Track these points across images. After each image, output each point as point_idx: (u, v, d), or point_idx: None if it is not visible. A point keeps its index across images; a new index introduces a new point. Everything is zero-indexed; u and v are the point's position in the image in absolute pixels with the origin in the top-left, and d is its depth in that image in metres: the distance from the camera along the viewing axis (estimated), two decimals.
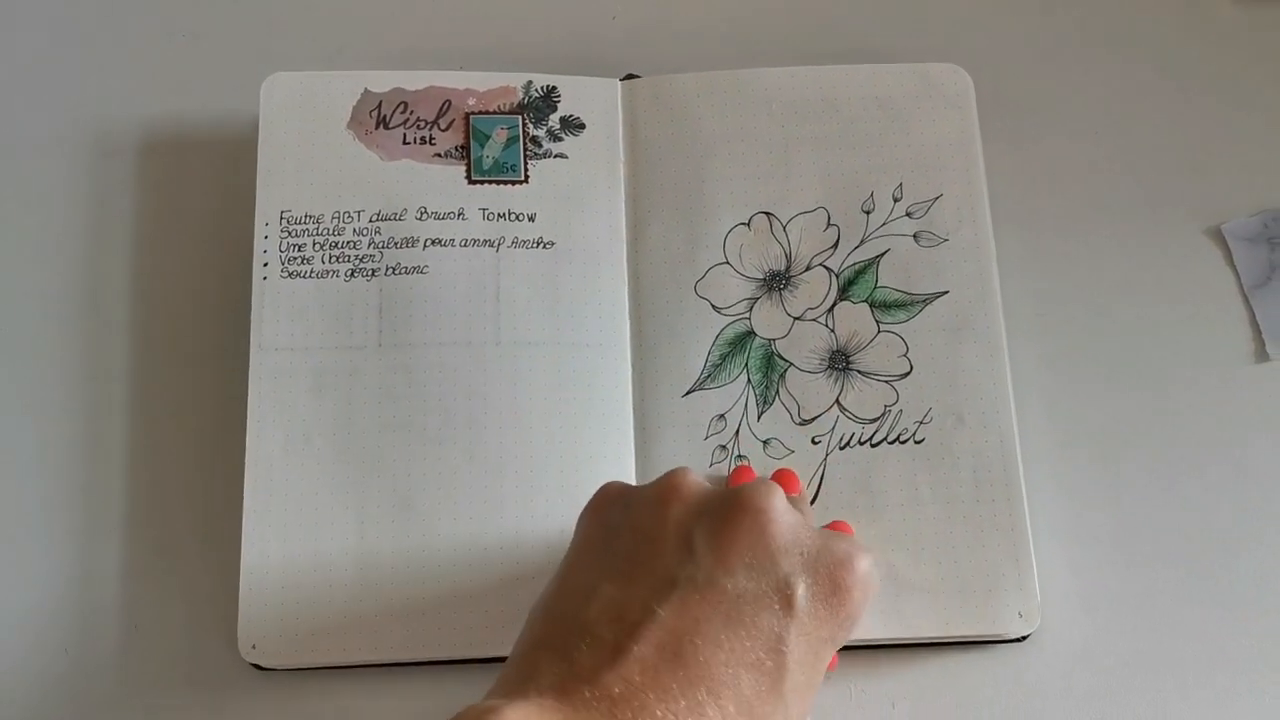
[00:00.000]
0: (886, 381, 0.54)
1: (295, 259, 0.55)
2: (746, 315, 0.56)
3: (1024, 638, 0.52)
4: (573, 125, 0.58)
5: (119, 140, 0.60)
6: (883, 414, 0.54)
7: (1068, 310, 0.58)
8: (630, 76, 0.60)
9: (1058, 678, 0.52)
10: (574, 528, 0.46)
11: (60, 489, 0.54)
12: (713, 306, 0.56)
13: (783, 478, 0.52)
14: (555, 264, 0.56)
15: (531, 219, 0.56)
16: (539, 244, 0.56)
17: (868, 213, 0.57)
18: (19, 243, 0.59)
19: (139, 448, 0.55)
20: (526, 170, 0.57)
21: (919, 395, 0.54)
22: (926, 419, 0.54)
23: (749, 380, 0.55)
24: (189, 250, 0.58)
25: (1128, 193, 0.60)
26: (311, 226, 0.56)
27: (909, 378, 0.54)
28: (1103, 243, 0.59)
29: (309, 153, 0.57)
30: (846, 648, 0.51)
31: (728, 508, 0.42)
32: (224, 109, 0.61)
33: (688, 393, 0.55)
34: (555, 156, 0.57)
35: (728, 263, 0.56)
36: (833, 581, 0.42)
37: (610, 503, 0.45)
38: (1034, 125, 0.61)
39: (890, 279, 0.56)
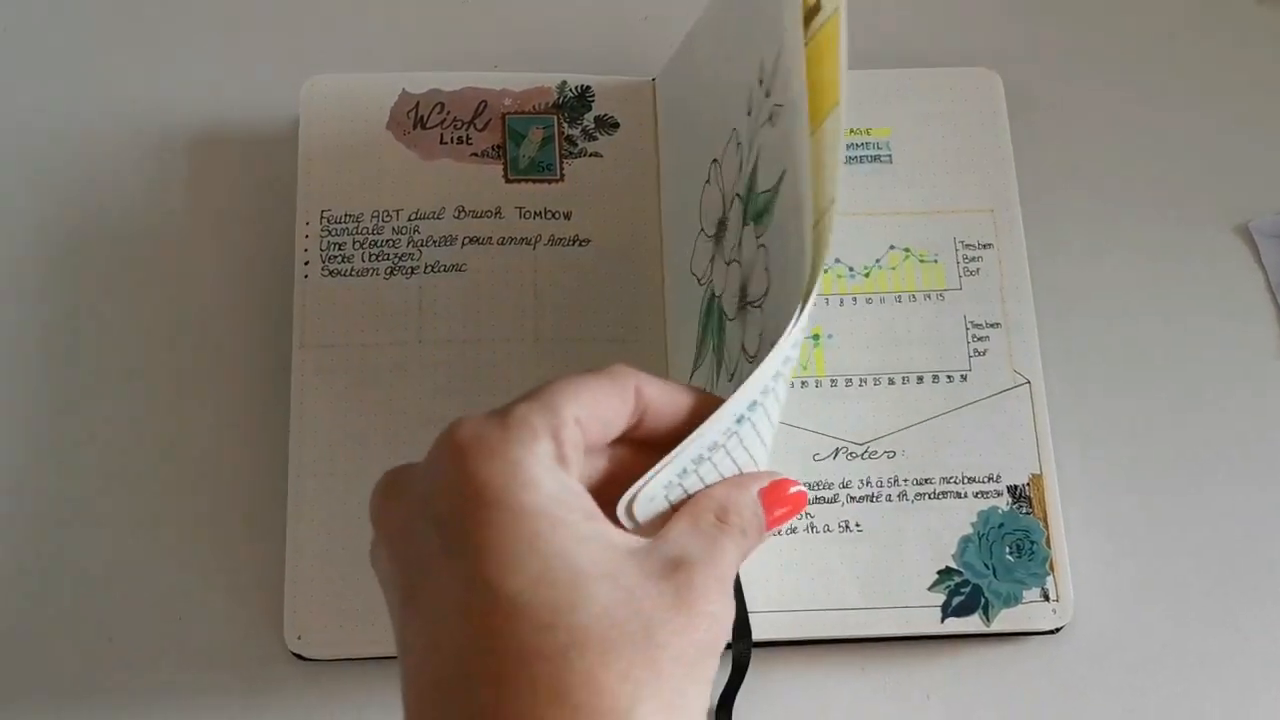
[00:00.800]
0: (759, 306, 0.51)
1: (335, 257, 0.56)
2: (711, 277, 0.52)
3: (1056, 630, 0.53)
4: (607, 125, 0.59)
5: (158, 139, 0.61)
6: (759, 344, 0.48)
7: (1096, 307, 0.59)
8: None
9: (1089, 670, 0.53)
10: None
11: (105, 478, 0.55)
12: (698, 280, 0.53)
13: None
14: (591, 261, 0.57)
15: (567, 217, 0.57)
16: (575, 241, 0.57)
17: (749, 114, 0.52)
18: (59, 240, 0.59)
19: (184, 440, 0.56)
20: (562, 169, 0.58)
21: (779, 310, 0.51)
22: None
23: (713, 348, 0.50)
24: (229, 248, 0.59)
25: (1154, 191, 0.61)
26: (351, 225, 0.56)
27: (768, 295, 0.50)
28: (1130, 241, 0.60)
29: (348, 153, 0.57)
30: (886, 640, 0.52)
31: None
32: (263, 109, 0.61)
33: (690, 377, 0.55)
34: (590, 155, 0.58)
35: (702, 229, 0.55)
36: None
37: None
38: (1059, 125, 0.62)
39: (763, 180, 0.46)
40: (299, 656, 0.52)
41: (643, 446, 0.39)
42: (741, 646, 0.52)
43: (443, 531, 0.34)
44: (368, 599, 0.51)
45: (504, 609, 0.33)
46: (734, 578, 0.37)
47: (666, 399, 0.39)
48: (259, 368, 0.57)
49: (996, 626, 0.52)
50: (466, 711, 0.32)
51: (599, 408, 0.37)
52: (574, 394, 0.37)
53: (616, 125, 0.59)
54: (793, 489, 0.40)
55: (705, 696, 0.34)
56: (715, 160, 0.52)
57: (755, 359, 0.44)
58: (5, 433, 0.56)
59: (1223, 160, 0.61)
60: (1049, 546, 0.53)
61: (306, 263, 0.56)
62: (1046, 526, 0.53)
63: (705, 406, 0.39)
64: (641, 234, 0.57)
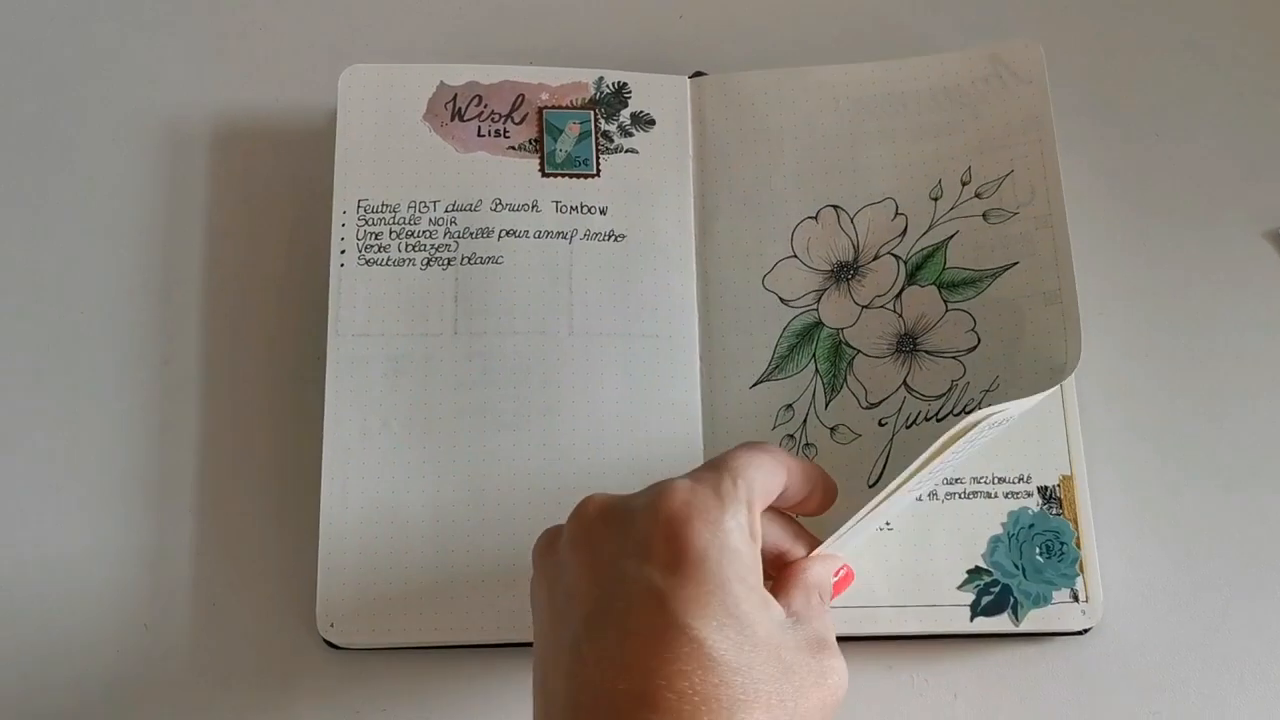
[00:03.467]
0: (954, 357, 0.55)
1: (372, 247, 0.56)
2: (814, 307, 0.57)
3: (1085, 631, 0.53)
4: (643, 121, 0.59)
5: (194, 129, 0.61)
6: (949, 389, 0.55)
7: (1127, 311, 0.59)
8: (698, 74, 0.61)
9: (1118, 671, 0.53)
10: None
11: (140, 468, 0.56)
12: (780, 299, 0.57)
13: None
14: (626, 256, 0.57)
15: (603, 212, 0.57)
16: (610, 236, 0.57)
17: (935, 199, 0.57)
18: (96, 229, 0.60)
19: (218, 429, 0.56)
20: (598, 164, 0.58)
21: (986, 366, 0.55)
22: (993, 387, 0.54)
23: (816, 370, 0.56)
24: (264, 237, 0.59)
25: (1187, 194, 0.61)
26: (388, 215, 0.57)
27: (976, 351, 0.55)
28: (1162, 244, 0.60)
29: (385, 143, 0.58)
30: (915, 638, 0.53)
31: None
32: (297, 100, 0.62)
33: (755, 384, 0.55)
34: (626, 151, 0.58)
35: (795, 256, 0.57)
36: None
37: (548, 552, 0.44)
38: (1093, 127, 0.62)
39: (959, 259, 0.56)
40: (331, 645, 0.52)
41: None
42: None
43: (655, 574, 0.39)
44: (399, 589, 0.52)
45: (694, 646, 0.38)
46: None
47: (803, 479, 0.46)
48: (294, 356, 0.57)
49: (1025, 626, 0.52)
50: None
51: (769, 483, 0.43)
52: (756, 469, 0.43)
53: (652, 122, 0.59)
54: (845, 572, 0.49)
55: None
56: (836, 207, 0.57)
57: (939, 398, 0.54)
58: (36, 422, 0.56)
59: (1255, 164, 0.62)
60: (1079, 547, 0.53)
61: (343, 251, 0.56)
62: (1076, 528, 0.53)
63: (829, 490, 0.48)
64: (675, 231, 0.57)
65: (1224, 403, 0.57)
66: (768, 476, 0.43)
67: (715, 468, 0.42)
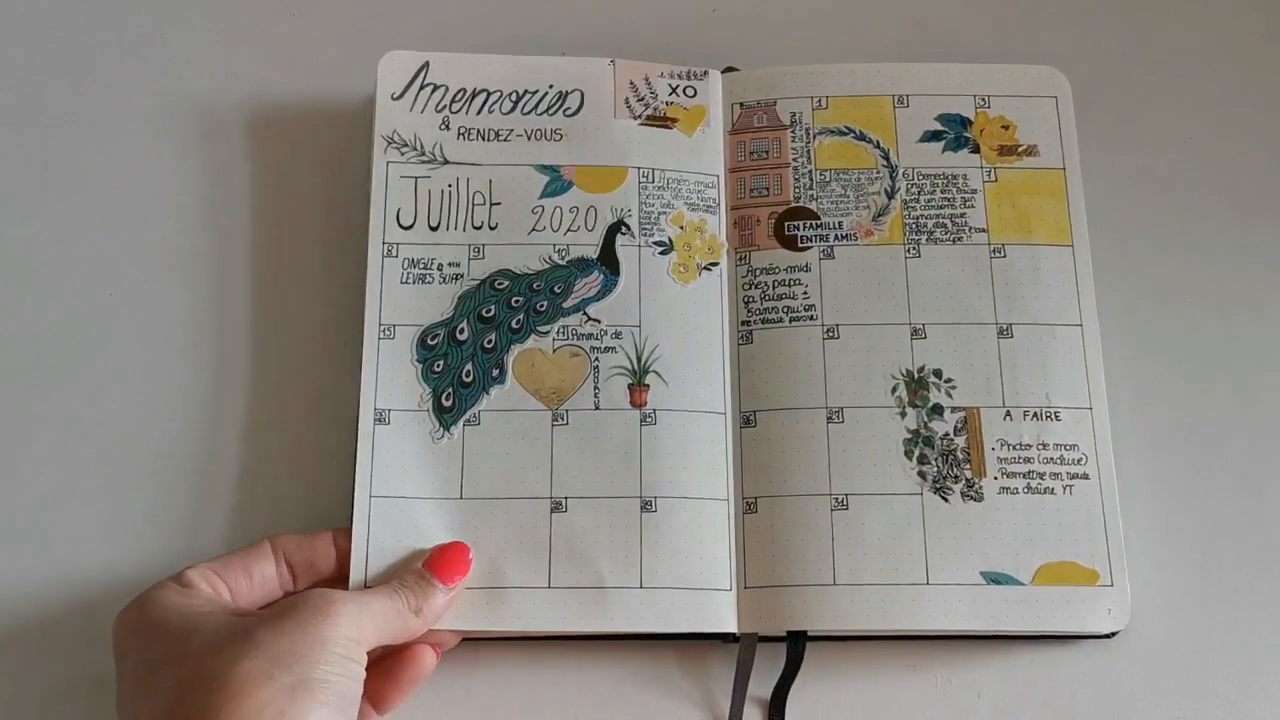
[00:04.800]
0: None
1: None
2: None
3: (1112, 634, 0.53)
4: None
5: (229, 115, 0.61)
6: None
7: (1159, 315, 0.59)
8: (730, 69, 0.60)
9: (1143, 675, 0.53)
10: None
11: (177, 451, 0.56)
12: None
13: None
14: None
15: None
16: None
17: None
18: (132, 214, 0.60)
19: (253, 414, 0.56)
20: None
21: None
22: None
23: None
24: (299, 223, 0.60)
25: (1218, 199, 0.61)
26: None
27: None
28: (1194, 248, 0.60)
29: None
30: (937, 638, 0.53)
31: None
32: (331, 86, 0.62)
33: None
34: None
35: None
36: None
37: None
38: (1126, 131, 0.62)
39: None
40: None
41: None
42: (794, 641, 0.52)
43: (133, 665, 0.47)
44: None
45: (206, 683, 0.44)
46: (361, 620, 0.47)
47: (298, 545, 0.51)
48: (330, 342, 0.57)
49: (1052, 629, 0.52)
50: None
51: (236, 564, 0.50)
52: (216, 562, 0.50)
53: None
54: (452, 549, 0.52)
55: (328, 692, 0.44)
56: None
57: None
58: (70, 405, 0.57)
59: None
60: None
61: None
62: (1105, 532, 0.53)
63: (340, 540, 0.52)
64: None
65: (1253, 407, 0.57)
66: (227, 562, 0.50)
67: None
